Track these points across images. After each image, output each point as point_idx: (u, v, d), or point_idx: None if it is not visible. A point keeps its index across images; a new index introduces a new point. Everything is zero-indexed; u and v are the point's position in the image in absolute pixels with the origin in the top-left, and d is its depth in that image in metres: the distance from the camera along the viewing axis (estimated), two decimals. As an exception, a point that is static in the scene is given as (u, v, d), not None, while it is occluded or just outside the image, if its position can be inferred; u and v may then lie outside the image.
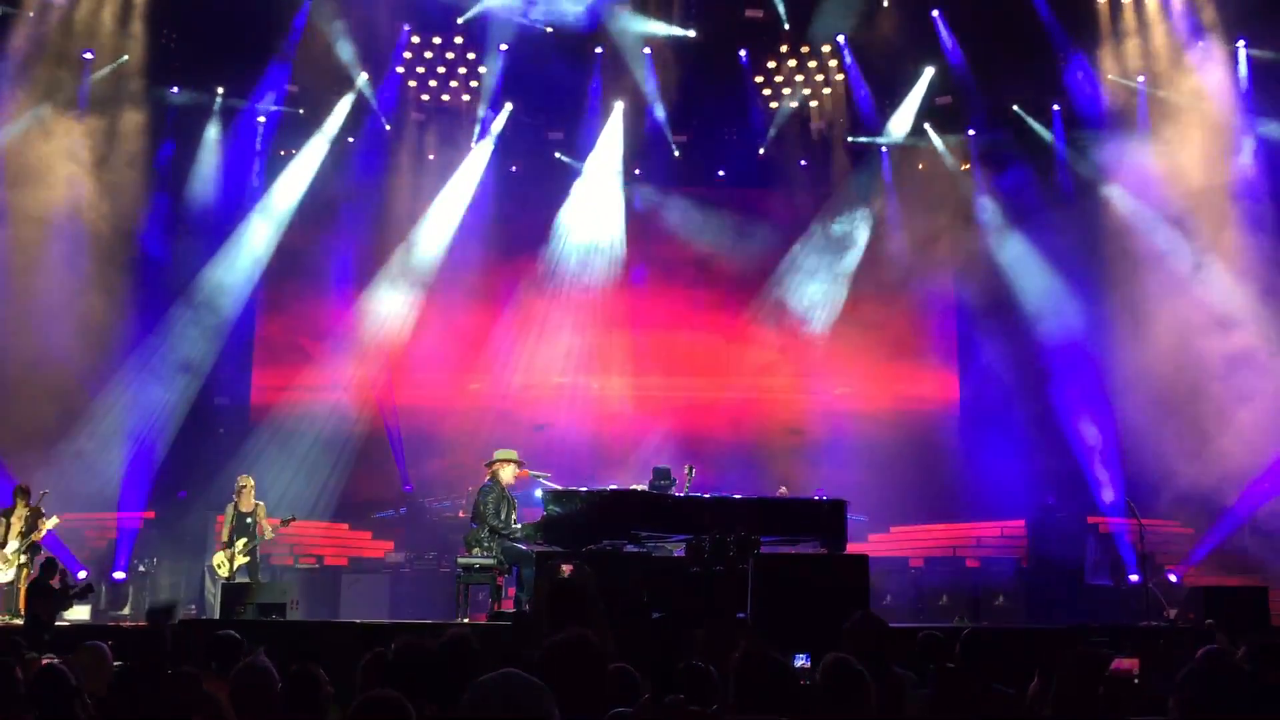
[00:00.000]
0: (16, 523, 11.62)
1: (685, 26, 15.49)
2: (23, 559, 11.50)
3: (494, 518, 10.05)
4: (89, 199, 14.72)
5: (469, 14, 15.17)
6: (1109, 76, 15.14)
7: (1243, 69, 14.66)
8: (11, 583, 11.48)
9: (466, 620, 9.84)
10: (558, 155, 16.74)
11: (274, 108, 15.85)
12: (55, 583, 10.17)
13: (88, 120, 14.60)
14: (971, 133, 16.46)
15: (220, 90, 15.62)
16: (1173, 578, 13.61)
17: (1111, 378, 14.81)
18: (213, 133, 15.74)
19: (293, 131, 16.10)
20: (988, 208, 16.32)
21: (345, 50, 15.26)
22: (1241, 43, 14.60)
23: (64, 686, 4.39)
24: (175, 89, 15.47)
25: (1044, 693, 4.11)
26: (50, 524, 11.71)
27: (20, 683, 4.75)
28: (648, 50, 15.79)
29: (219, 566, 11.68)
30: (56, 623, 9.84)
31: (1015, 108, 15.94)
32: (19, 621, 10.55)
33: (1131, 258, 14.90)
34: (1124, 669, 4.12)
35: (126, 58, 14.76)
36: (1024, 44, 15.00)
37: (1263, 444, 13.59)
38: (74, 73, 14.59)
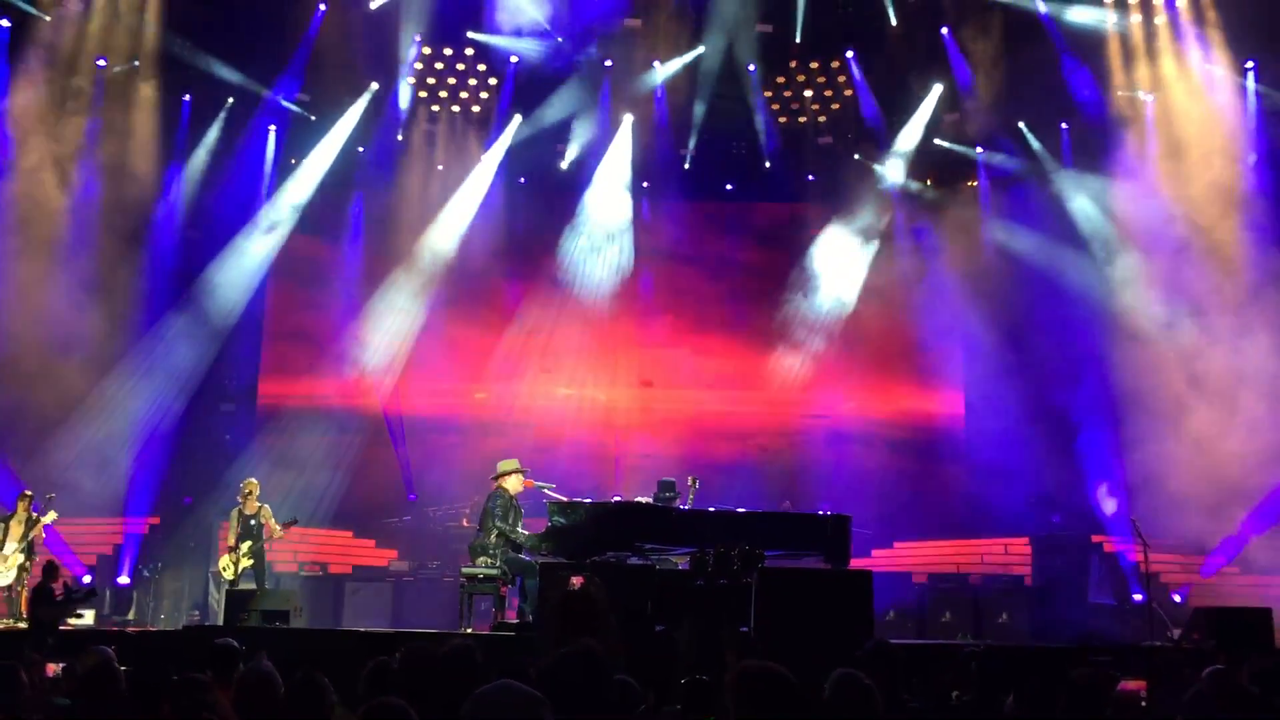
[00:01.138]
0: (17, 527, 11.66)
1: (694, 42, 15.55)
2: (21, 559, 11.52)
3: (502, 520, 10.06)
4: (98, 203, 14.82)
5: (481, 36, 15.26)
6: (1118, 92, 15.18)
7: (1251, 92, 14.71)
8: (11, 586, 11.50)
9: (470, 630, 9.83)
10: (564, 166, 16.76)
11: (291, 107, 15.84)
12: (58, 586, 10.20)
13: (99, 123, 14.70)
14: (979, 150, 16.48)
15: (231, 98, 15.65)
16: (1177, 598, 13.57)
17: (1117, 396, 14.81)
18: (224, 138, 15.78)
19: (303, 138, 16.15)
20: (994, 224, 16.34)
21: (357, 59, 15.32)
22: (1250, 64, 14.65)
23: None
24: (187, 95, 15.54)
25: (1022, 711, 4.09)
26: (48, 519, 11.73)
27: (25, 686, 4.77)
28: (657, 64, 15.86)
29: (224, 570, 11.68)
30: (60, 627, 9.84)
31: (1021, 125, 15.96)
32: (22, 625, 10.58)
33: (1134, 276, 14.94)
34: (1130, 690, 4.11)
35: (138, 62, 14.85)
36: (1033, 62, 15.04)
37: (1268, 464, 13.57)
38: (88, 76, 14.68)
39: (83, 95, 14.68)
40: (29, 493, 11.89)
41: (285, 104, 15.73)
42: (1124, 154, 15.13)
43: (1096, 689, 3.76)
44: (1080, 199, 15.64)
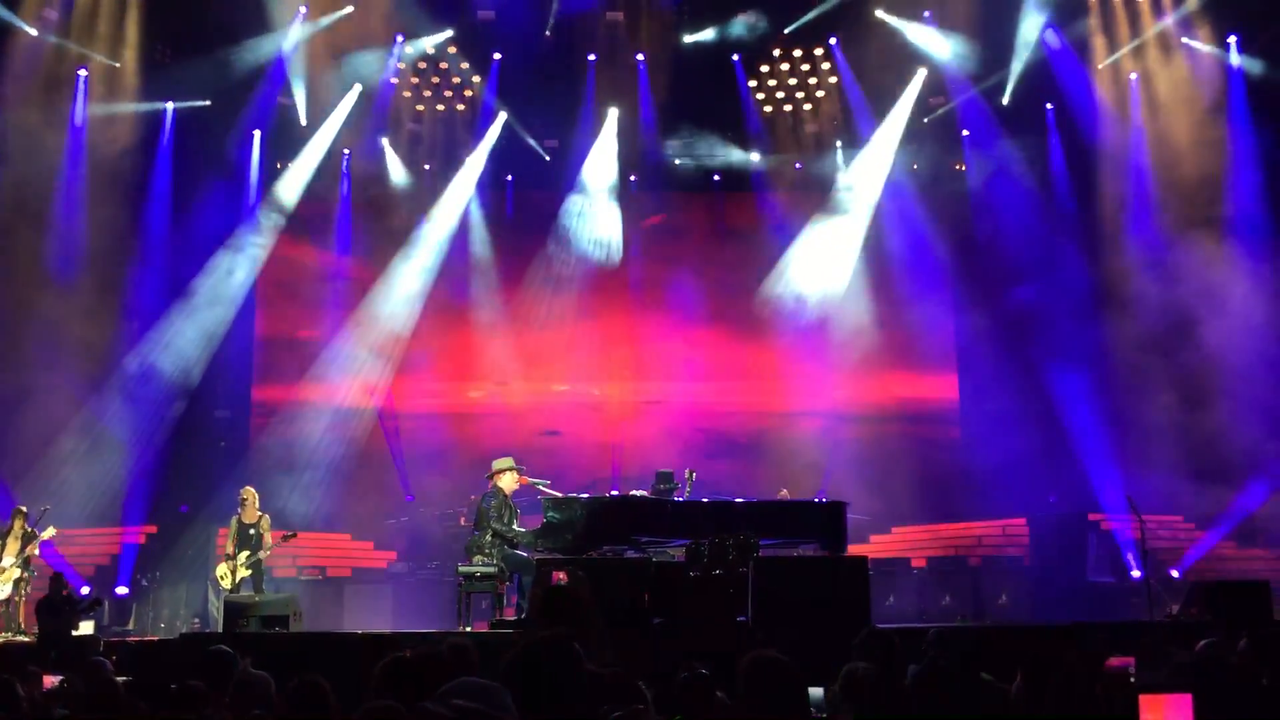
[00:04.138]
0: (13, 542, 11.64)
1: (677, 34, 15.53)
2: (18, 573, 11.52)
3: (497, 520, 10.08)
4: (84, 214, 14.78)
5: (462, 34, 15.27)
6: (1099, 66, 15.21)
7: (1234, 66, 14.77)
8: (8, 600, 11.49)
9: (469, 629, 9.85)
10: (549, 161, 16.74)
11: (284, 100, 15.78)
12: (64, 597, 10.22)
13: (82, 131, 14.67)
14: (965, 133, 16.49)
15: (210, 102, 15.58)
16: (1174, 573, 13.60)
17: (1111, 372, 14.85)
18: (208, 145, 15.73)
19: (288, 143, 16.10)
20: (984, 206, 16.33)
21: (339, 61, 15.30)
22: (1233, 39, 14.68)
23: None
24: (169, 101, 15.50)
25: (1028, 690, 4.11)
26: (46, 534, 11.73)
27: (23, 699, 4.77)
28: (641, 57, 15.84)
29: (222, 579, 11.67)
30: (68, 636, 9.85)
31: (1006, 104, 15.96)
32: (22, 639, 10.59)
33: (1124, 251, 14.99)
34: (1119, 667, 4.13)
35: (118, 64, 14.81)
36: (1014, 43, 15.07)
37: (1265, 436, 13.61)
38: (69, 85, 14.64)
39: (65, 105, 14.65)
40: (24, 508, 11.87)
41: (269, 111, 15.64)
42: (1108, 131, 15.19)
43: (1085, 666, 3.79)
44: (1065, 176, 15.66)
